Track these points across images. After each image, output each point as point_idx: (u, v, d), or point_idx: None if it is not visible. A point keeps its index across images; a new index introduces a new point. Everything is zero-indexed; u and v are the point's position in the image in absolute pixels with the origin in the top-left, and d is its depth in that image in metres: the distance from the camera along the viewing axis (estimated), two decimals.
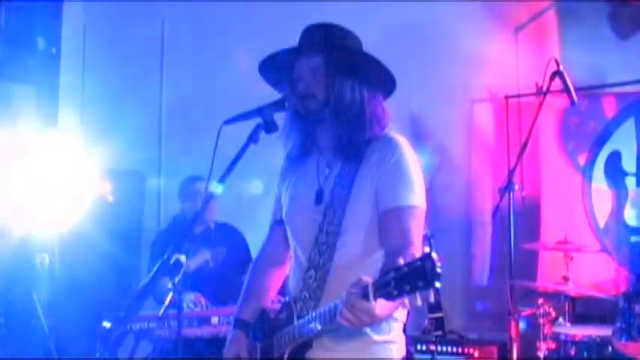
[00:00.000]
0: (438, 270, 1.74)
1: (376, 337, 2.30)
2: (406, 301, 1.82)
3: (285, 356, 2.29)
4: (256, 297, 2.58)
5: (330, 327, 2.12)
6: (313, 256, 2.34)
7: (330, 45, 2.38)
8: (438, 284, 1.75)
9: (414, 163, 2.31)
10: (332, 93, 2.32)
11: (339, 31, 2.43)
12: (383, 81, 2.40)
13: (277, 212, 2.60)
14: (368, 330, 2.27)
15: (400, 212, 2.23)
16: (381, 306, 1.91)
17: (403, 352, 2.37)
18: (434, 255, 1.77)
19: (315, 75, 2.35)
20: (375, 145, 2.33)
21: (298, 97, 2.33)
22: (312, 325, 2.18)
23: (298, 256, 2.44)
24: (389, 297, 1.82)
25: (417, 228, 2.24)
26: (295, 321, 2.29)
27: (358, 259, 2.27)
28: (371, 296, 1.86)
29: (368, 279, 1.88)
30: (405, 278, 1.78)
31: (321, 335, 2.24)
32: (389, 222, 2.24)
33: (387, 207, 2.25)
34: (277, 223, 2.60)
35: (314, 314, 2.19)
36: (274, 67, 2.46)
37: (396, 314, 2.32)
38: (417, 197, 2.27)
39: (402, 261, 1.80)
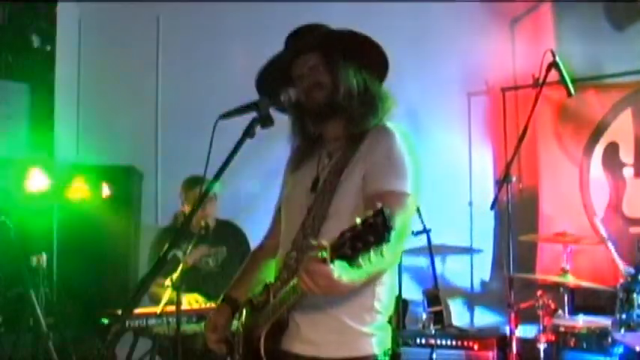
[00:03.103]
0: (389, 224, 1.75)
1: (355, 327, 2.28)
2: (363, 262, 1.82)
3: (262, 338, 2.26)
4: (249, 280, 2.58)
5: (298, 297, 2.11)
6: (297, 238, 2.36)
7: (321, 38, 2.41)
8: (389, 238, 1.75)
9: (406, 151, 2.30)
10: (339, 80, 2.35)
11: (316, 25, 2.46)
12: (376, 60, 2.42)
13: (279, 201, 2.63)
14: (347, 319, 2.27)
15: (386, 196, 2.16)
16: (340, 270, 1.91)
17: (386, 346, 2.35)
18: (386, 210, 1.77)
19: (316, 71, 2.38)
20: (370, 134, 2.34)
21: (305, 92, 2.34)
22: (283, 299, 2.18)
23: (284, 240, 2.46)
24: (345, 257, 1.83)
25: (403, 214, 2.19)
26: (271, 300, 2.29)
27: None
28: (328, 258, 1.85)
29: (325, 242, 1.88)
30: (358, 236, 1.79)
31: (294, 317, 2.25)
32: (372, 206, 2.23)
33: (373, 191, 2.24)
34: (278, 212, 2.62)
35: (285, 289, 2.18)
36: (269, 79, 2.48)
37: (378, 305, 2.32)
38: (406, 184, 2.24)
39: (357, 221, 1.80)
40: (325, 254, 1.86)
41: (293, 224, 2.41)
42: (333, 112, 2.37)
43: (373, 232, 1.76)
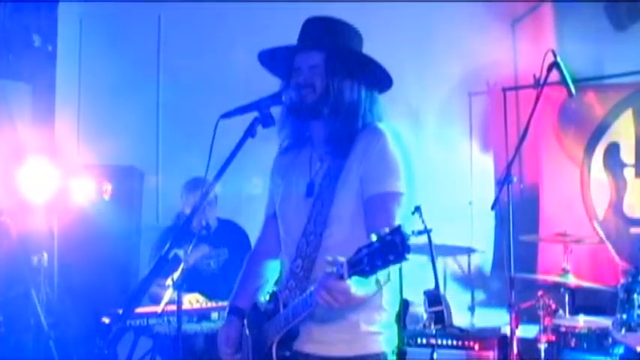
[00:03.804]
0: (408, 243, 1.79)
1: (364, 328, 2.32)
2: (380, 277, 1.89)
3: (274, 346, 2.30)
4: (251, 287, 2.60)
5: (311, 310, 2.15)
6: (301, 246, 2.38)
7: (331, 43, 2.41)
8: (408, 257, 1.79)
9: (399, 150, 2.33)
10: (331, 90, 2.36)
11: (340, 27, 2.45)
12: (380, 80, 2.44)
13: (271, 207, 2.64)
14: (356, 319, 2.31)
15: (384, 198, 2.26)
16: (356, 284, 1.95)
17: (394, 344, 2.39)
18: (404, 229, 1.80)
19: (314, 71, 2.38)
20: (361, 135, 2.36)
21: (296, 88, 2.33)
22: (296, 310, 2.21)
23: (288, 247, 2.48)
24: (363, 274, 1.86)
25: (401, 214, 2.26)
26: (281, 309, 2.31)
27: (345, 247, 2.27)
28: (345, 275, 1.89)
29: (342, 258, 1.91)
30: (377, 254, 1.82)
31: (305, 321, 2.27)
32: (373, 208, 2.28)
33: (372, 193, 2.29)
34: (272, 217, 2.63)
35: (296, 300, 2.22)
36: (274, 58, 2.49)
37: (385, 303, 2.35)
38: (401, 184, 2.29)
39: (374, 237, 1.83)
40: (342, 271, 1.89)
41: (293, 231, 2.43)
42: (314, 115, 2.39)
43: (393, 250, 1.80)
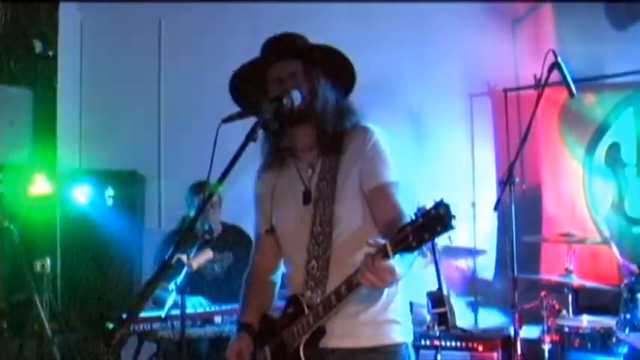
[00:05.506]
0: (453, 212, 1.85)
1: (383, 316, 2.39)
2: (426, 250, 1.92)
3: (301, 347, 2.32)
4: (257, 303, 2.63)
5: (349, 298, 2.18)
6: (312, 248, 2.42)
7: (304, 48, 2.49)
8: (455, 225, 1.86)
9: (388, 145, 2.45)
10: (316, 93, 2.42)
11: (300, 35, 2.54)
12: (348, 76, 2.51)
13: (265, 224, 2.65)
14: (375, 309, 2.37)
15: (385, 189, 2.37)
16: (399, 262, 2.00)
17: (411, 335, 2.46)
18: (445, 200, 1.87)
19: (295, 78, 2.43)
20: (351, 135, 2.45)
21: (282, 94, 2.35)
22: (330, 303, 2.23)
23: (296, 254, 2.49)
24: (409, 249, 1.92)
25: (403, 200, 2.36)
26: (306, 310, 2.33)
27: (356, 241, 2.33)
28: (390, 253, 1.95)
29: (381, 240, 1.98)
30: (423, 227, 1.88)
31: (334, 319, 2.30)
32: (377, 199, 2.37)
33: (372, 186, 2.38)
34: (265, 234, 2.65)
35: (330, 293, 2.24)
36: (245, 77, 2.54)
37: (399, 288, 2.41)
38: (395, 174, 2.40)
39: (413, 216, 1.91)
40: (387, 250, 1.95)
41: (300, 238, 2.46)
42: (305, 119, 2.42)
43: (439, 221, 1.86)
